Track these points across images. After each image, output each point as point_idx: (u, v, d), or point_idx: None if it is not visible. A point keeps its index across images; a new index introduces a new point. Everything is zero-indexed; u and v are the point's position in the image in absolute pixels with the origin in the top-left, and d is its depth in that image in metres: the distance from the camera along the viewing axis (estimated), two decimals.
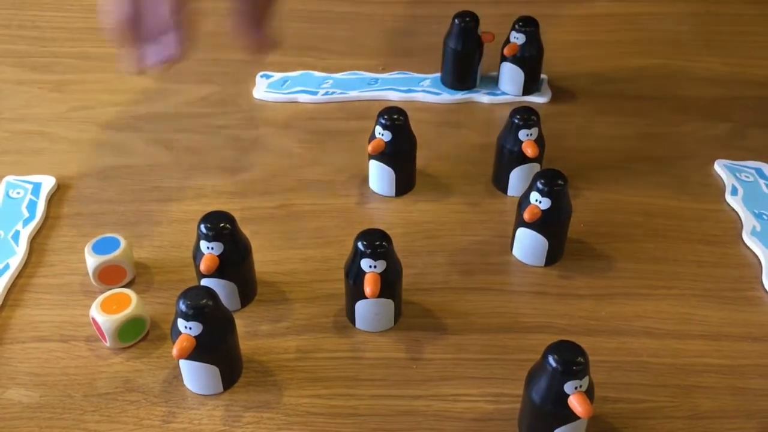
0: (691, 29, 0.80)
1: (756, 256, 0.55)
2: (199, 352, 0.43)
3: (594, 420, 0.44)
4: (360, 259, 0.47)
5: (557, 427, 0.42)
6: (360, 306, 0.49)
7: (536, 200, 0.52)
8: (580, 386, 0.41)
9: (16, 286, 0.53)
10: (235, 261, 0.49)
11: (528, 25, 0.66)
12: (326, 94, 0.70)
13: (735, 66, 0.75)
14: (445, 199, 0.60)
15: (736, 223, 0.58)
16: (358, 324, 0.50)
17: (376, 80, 0.72)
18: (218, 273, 0.49)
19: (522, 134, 0.57)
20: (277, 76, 0.72)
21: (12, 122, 0.67)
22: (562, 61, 0.74)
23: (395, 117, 0.57)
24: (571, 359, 0.40)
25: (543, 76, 0.71)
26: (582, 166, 0.62)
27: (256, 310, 0.51)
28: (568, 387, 0.40)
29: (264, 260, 0.54)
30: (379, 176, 0.59)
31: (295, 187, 0.61)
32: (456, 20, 0.67)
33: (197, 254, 0.49)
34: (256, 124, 0.67)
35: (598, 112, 0.69)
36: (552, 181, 0.51)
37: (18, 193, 0.60)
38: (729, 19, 0.82)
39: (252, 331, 0.50)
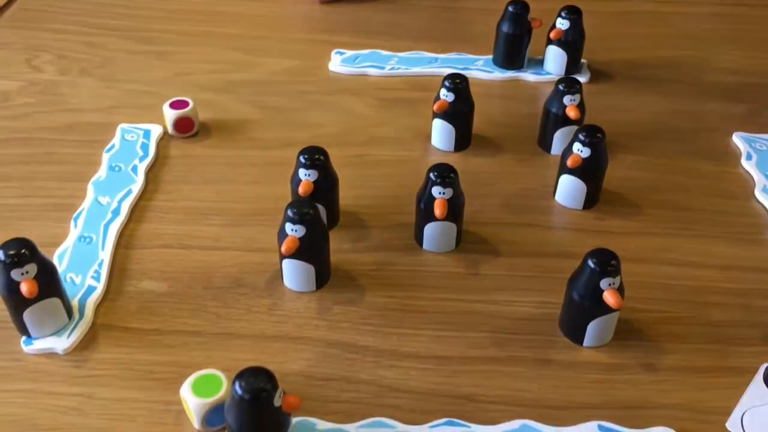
0: (716, 27, 0.90)
1: (766, 209, 0.64)
2: (301, 251, 0.53)
3: (622, 323, 0.53)
4: (431, 187, 0.57)
5: (592, 320, 0.51)
6: (428, 228, 0.59)
7: (578, 150, 0.61)
8: (613, 283, 0.50)
9: (138, 206, 0.63)
10: (326, 188, 0.59)
11: (572, 12, 0.76)
12: (392, 69, 0.81)
13: (754, 58, 0.84)
14: (497, 155, 0.70)
15: (750, 183, 0.67)
16: (425, 245, 0.60)
17: (436, 59, 0.82)
18: (311, 197, 0.58)
19: (566, 99, 0.67)
20: (350, 53, 0.83)
21: (125, 83, 0.78)
22: (601, 49, 0.84)
23: (458, 81, 0.67)
24: (606, 260, 0.50)
25: (583, 60, 0.81)
26: (617, 134, 0.72)
27: (340, 233, 0.61)
28: (603, 283, 0.50)
29: (345, 195, 0.63)
30: (441, 133, 0.69)
31: (368, 142, 0.71)
32: (509, 7, 0.77)
33: (295, 180, 0.59)
34: (332, 91, 0.78)
35: (631, 92, 0.79)
36: (592, 134, 0.61)
37: (132, 136, 0.70)
38: (749, 19, 0.92)
39: (337, 248, 0.59)
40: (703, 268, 0.59)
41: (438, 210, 0.56)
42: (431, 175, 0.57)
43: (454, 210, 0.58)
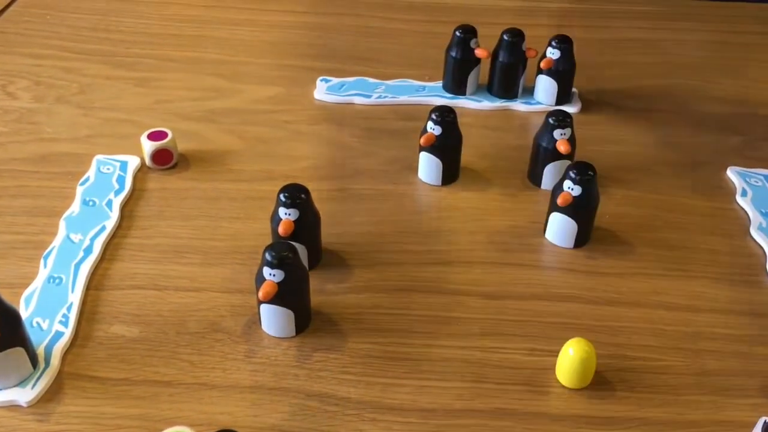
0: (708, 54, 0.88)
1: (762, 249, 0.62)
2: (280, 297, 0.51)
3: (614, 373, 0.51)
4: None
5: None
6: None
7: (569, 188, 0.59)
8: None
9: (111, 244, 0.60)
10: (308, 226, 0.57)
11: (563, 42, 0.75)
12: (379, 97, 0.79)
13: (747, 87, 0.83)
14: (486, 190, 0.68)
15: (745, 221, 0.65)
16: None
17: (424, 87, 0.80)
18: (292, 236, 0.56)
19: (557, 133, 0.65)
20: (335, 80, 0.81)
21: (103, 111, 0.76)
22: (592, 78, 0.82)
23: (446, 114, 0.65)
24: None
25: (574, 89, 0.79)
26: (608, 168, 0.70)
27: (322, 273, 0.59)
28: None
29: (327, 233, 0.61)
30: (428, 167, 0.67)
31: (352, 174, 0.69)
32: (504, 36, 0.75)
33: (275, 219, 0.57)
34: (317, 120, 0.76)
35: (623, 122, 0.77)
36: (583, 171, 0.59)
37: (108, 169, 0.68)
38: (741, 47, 0.90)
39: (319, 289, 0.57)
40: (697, 312, 0.57)
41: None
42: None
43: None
